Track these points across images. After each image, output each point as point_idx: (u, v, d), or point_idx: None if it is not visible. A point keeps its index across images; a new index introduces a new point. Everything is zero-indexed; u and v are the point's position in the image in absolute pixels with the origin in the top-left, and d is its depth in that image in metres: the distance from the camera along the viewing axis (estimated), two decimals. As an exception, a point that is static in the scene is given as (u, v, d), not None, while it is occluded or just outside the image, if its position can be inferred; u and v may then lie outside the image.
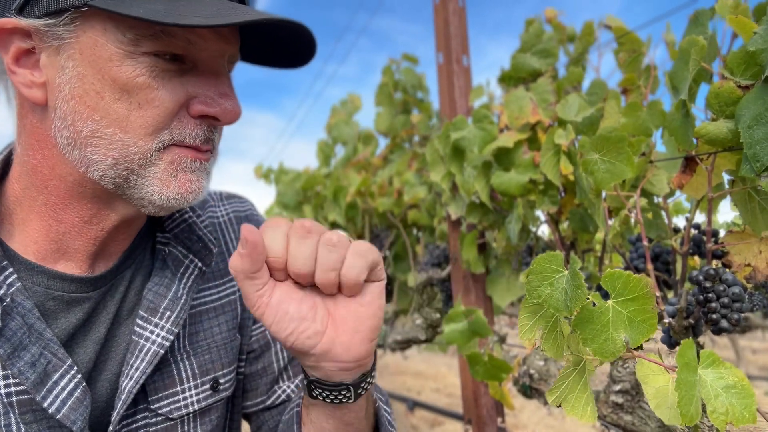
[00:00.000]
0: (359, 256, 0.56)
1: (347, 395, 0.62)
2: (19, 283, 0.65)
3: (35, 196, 0.67)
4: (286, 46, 0.72)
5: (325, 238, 0.56)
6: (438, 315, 1.98)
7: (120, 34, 0.60)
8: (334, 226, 2.61)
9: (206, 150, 0.68)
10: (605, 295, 0.64)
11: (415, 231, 2.31)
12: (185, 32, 0.61)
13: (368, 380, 0.64)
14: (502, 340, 1.38)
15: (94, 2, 0.58)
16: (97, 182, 0.65)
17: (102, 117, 0.62)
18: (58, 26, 0.60)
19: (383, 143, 2.56)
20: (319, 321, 0.58)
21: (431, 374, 6.89)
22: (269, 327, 0.57)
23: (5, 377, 0.62)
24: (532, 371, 1.20)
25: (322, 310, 0.58)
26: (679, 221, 1.07)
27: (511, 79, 1.45)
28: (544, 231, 1.71)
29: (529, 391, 1.22)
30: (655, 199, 1.10)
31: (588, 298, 0.62)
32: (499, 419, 1.69)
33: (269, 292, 0.56)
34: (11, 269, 0.65)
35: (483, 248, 1.63)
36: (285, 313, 0.56)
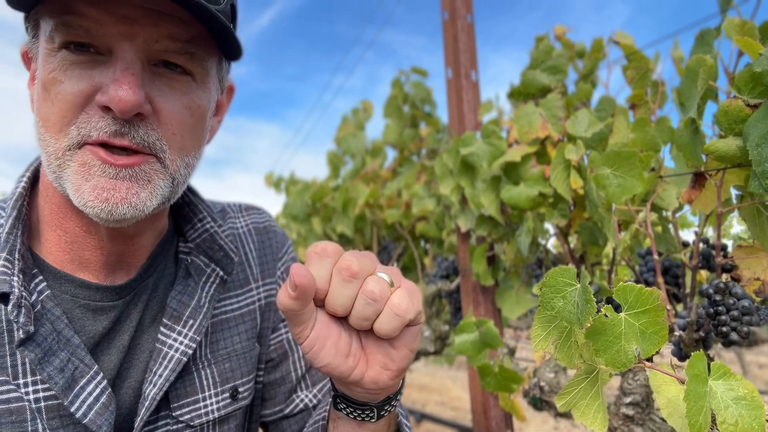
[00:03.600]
0: (396, 315, 0.53)
1: (370, 415, 0.64)
2: (48, 291, 0.67)
3: (44, 206, 0.70)
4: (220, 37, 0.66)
5: (367, 290, 0.53)
6: (447, 327, 1.99)
7: (45, 34, 0.62)
8: (342, 237, 2.62)
9: (126, 147, 0.62)
10: (617, 308, 0.65)
11: (423, 243, 2.32)
12: (79, 19, 0.59)
13: (392, 403, 0.65)
14: (512, 352, 1.39)
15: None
16: None
17: (39, 119, 0.64)
18: (32, 44, 0.66)
19: (391, 156, 2.58)
20: (352, 356, 0.57)
21: (435, 387, 6.85)
22: (307, 355, 0.56)
23: (34, 383, 0.64)
24: (542, 383, 1.21)
25: (356, 344, 0.58)
26: (684, 235, 1.09)
27: (520, 94, 1.48)
28: (551, 244, 1.72)
29: (540, 403, 1.23)
30: (664, 213, 1.11)
31: (600, 311, 0.63)
32: (508, 431, 1.69)
33: (311, 324, 0.55)
34: (41, 277, 0.67)
35: (492, 261, 1.64)
36: (322, 347, 0.55)
